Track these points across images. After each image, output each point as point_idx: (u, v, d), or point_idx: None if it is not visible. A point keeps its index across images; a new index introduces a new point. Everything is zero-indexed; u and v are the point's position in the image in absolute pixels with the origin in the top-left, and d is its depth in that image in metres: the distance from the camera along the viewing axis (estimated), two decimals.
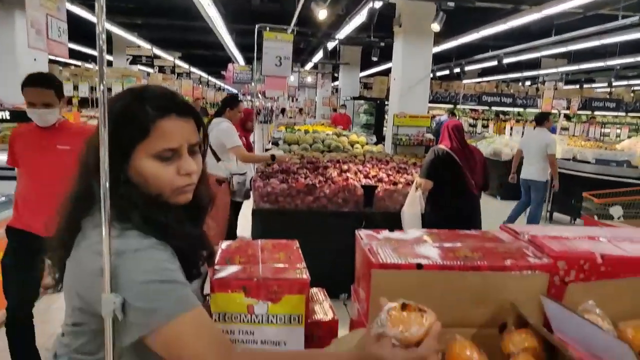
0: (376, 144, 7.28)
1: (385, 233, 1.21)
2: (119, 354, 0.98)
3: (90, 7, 6.76)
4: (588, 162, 6.81)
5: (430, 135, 7.61)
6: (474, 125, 13.17)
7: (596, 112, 12.21)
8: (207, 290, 1.21)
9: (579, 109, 10.79)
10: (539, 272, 1.03)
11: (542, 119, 5.97)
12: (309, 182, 3.76)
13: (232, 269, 1.24)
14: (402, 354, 0.80)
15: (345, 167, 4.33)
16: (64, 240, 1.00)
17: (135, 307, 0.90)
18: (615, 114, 12.75)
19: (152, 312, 0.89)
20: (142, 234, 0.95)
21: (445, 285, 1.01)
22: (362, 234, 1.19)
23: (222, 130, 4.04)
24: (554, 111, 9.49)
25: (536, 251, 1.11)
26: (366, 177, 4.13)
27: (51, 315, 3.18)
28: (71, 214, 1.01)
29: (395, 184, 3.98)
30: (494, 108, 12.15)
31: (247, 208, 4.25)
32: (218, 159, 4.14)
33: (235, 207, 4.45)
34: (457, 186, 3.60)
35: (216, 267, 1.24)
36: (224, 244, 1.44)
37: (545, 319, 1.02)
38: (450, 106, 12.08)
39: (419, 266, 1.00)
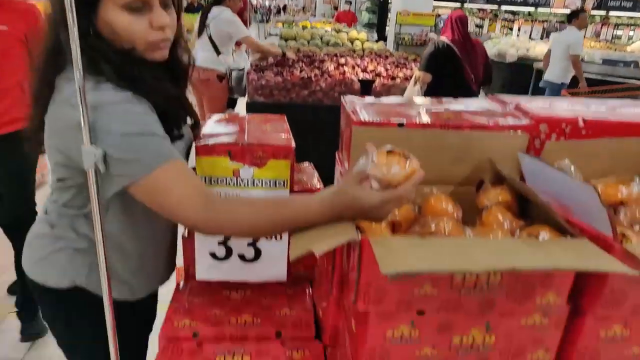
0: (377, 41, 7.03)
1: (371, 99, 1.20)
2: (105, 205, 1.02)
3: None
4: (595, 63, 6.63)
5: (433, 35, 7.33)
6: (480, 26, 12.63)
7: (611, 13, 11.65)
8: (192, 163, 1.23)
9: (593, 8, 10.27)
10: (520, 132, 1.03)
11: (571, 17, 5.67)
12: (305, 76, 3.69)
13: (217, 136, 1.25)
14: (378, 195, 0.82)
15: (342, 60, 4.21)
16: (40, 100, 0.99)
17: (116, 159, 0.91)
18: (632, 14, 12.15)
19: (132, 163, 0.91)
20: (117, 88, 0.94)
21: (426, 144, 1.02)
22: (347, 98, 1.18)
23: (227, 20, 3.88)
24: (565, 10, 9.04)
25: (519, 114, 1.10)
26: (364, 71, 4.04)
27: None
28: (44, 71, 0.99)
29: (393, 78, 3.90)
30: (503, 7, 11.57)
31: (242, 104, 4.21)
32: (218, 53, 4.02)
33: (231, 104, 4.41)
34: (456, 80, 3.53)
35: (202, 134, 1.25)
36: (212, 116, 1.44)
37: (522, 178, 1.04)
38: (457, 5, 11.50)
39: (400, 125, 1.01)
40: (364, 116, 1.02)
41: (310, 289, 1.33)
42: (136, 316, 1.28)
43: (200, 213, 0.90)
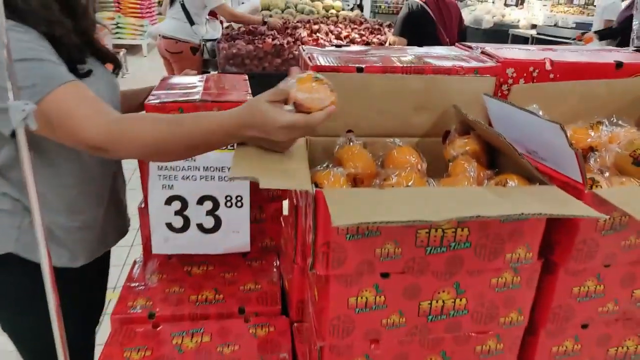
0: (352, 9, 6.89)
1: (331, 48, 1.13)
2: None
3: None
4: (568, 28, 6.61)
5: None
6: None
7: None
8: None
9: None
10: (486, 76, 0.98)
11: None
12: (277, 43, 3.58)
13: (169, 93, 1.17)
14: (289, 116, 0.77)
15: (315, 27, 4.10)
16: None
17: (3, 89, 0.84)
18: None
19: (25, 90, 0.84)
20: None
21: (387, 90, 0.96)
22: (306, 48, 1.11)
23: None
24: None
25: (485, 58, 1.05)
26: (337, 37, 3.94)
27: None
28: None
29: (368, 44, 3.81)
30: None
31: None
32: (192, 23, 3.85)
33: None
34: (430, 43, 3.46)
35: (153, 93, 1.17)
36: (164, 76, 1.35)
37: (490, 125, 0.99)
38: None
39: (359, 69, 0.94)
40: (321, 61, 0.96)
41: (278, 261, 1.28)
42: (84, 289, 1.21)
43: (102, 133, 0.85)
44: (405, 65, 0.95)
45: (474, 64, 1.00)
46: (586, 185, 0.76)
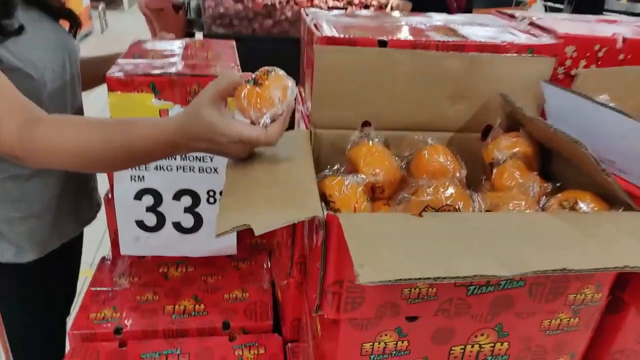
0: None
1: (340, 12, 0.90)
2: None
3: None
4: None
5: None
6: None
7: None
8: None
9: None
10: (543, 56, 0.76)
11: None
12: (268, 3, 3.27)
13: (138, 64, 0.93)
14: (245, 130, 0.61)
15: None
16: None
17: None
18: None
19: None
20: None
21: (416, 72, 0.73)
22: (310, 11, 0.87)
23: None
24: None
25: (538, 31, 0.83)
26: None
27: None
28: None
29: (367, 7, 3.52)
30: None
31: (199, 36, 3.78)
32: None
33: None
34: (436, 9, 3.19)
35: (118, 62, 0.93)
36: (135, 40, 1.11)
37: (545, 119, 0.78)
38: None
39: (382, 43, 0.71)
40: (330, 31, 0.73)
41: (269, 262, 1.07)
42: (43, 283, 1.03)
43: (13, 140, 0.68)
44: (440, 39, 0.73)
45: (525, 39, 0.78)
46: None
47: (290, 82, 0.62)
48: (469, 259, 0.46)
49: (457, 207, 0.61)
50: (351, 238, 0.47)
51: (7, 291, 0.98)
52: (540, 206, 0.64)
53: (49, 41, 0.88)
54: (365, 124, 0.75)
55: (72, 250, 1.13)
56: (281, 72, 0.63)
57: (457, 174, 0.68)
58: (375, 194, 0.68)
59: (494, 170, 0.71)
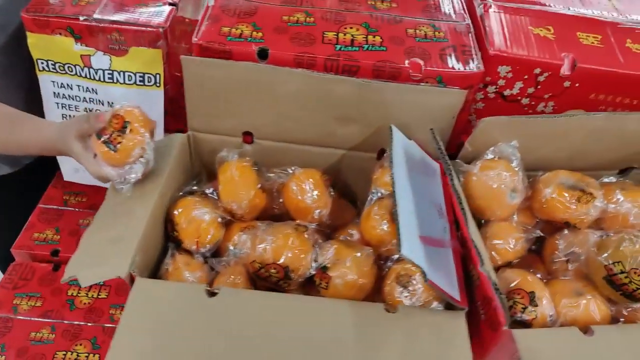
0: None
1: None
2: None
3: None
4: None
5: None
6: None
7: None
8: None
9: None
10: (451, 89, 0.65)
11: None
12: None
13: (58, 4, 0.88)
14: (104, 172, 0.62)
15: None
16: None
17: None
18: None
19: None
20: None
21: (300, 92, 0.65)
22: None
23: None
24: None
25: (466, 44, 0.69)
26: None
27: None
28: None
29: None
30: None
31: None
32: None
33: None
34: None
35: None
36: None
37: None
38: None
39: (262, 54, 0.63)
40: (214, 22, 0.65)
41: None
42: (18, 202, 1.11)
43: None
44: (329, 57, 0.63)
45: (436, 62, 0.66)
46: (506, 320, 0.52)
47: (147, 136, 0.60)
48: None
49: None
50: (127, 315, 0.50)
51: None
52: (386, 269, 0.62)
53: None
54: (246, 135, 0.71)
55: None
56: (137, 124, 0.60)
57: (316, 214, 0.66)
58: (235, 217, 0.68)
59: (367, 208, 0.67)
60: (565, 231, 0.64)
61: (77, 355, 0.88)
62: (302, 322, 0.51)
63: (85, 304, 0.96)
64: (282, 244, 0.59)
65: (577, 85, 0.68)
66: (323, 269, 0.59)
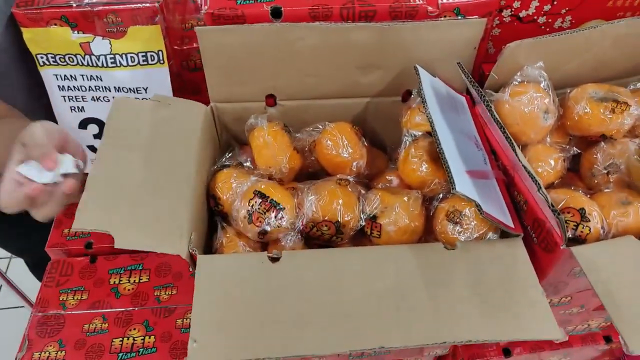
0: None
1: None
2: None
3: None
4: None
5: None
6: None
7: None
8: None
9: None
10: (469, 19, 0.64)
11: None
12: None
13: None
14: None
15: None
16: None
17: None
18: None
19: None
20: None
21: (318, 46, 0.64)
22: None
23: None
24: None
25: None
26: None
27: None
28: None
29: None
30: None
31: None
32: None
33: None
34: None
35: None
36: None
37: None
38: None
39: (275, 12, 0.62)
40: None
41: None
42: None
43: None
44: (344, 6, 0.62)
45: None
46: (564, 239, 0.54)
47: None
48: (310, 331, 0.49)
49: None
50: (199, 293, 0.51)
51: None
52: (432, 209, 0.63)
53: None
54: (269, 97, 0.70)
55: None
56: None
57: (354, 166, 0.66)
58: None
59: (403, 150, 0.66)
60: (602, 144, 0.64)
61: (134, 340, 0.90)
62: (368, 273, 0.52)
63: (129, 290, 0.97)
64: (329, 200, 0.60)
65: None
66: (372, 219, 0.60)
